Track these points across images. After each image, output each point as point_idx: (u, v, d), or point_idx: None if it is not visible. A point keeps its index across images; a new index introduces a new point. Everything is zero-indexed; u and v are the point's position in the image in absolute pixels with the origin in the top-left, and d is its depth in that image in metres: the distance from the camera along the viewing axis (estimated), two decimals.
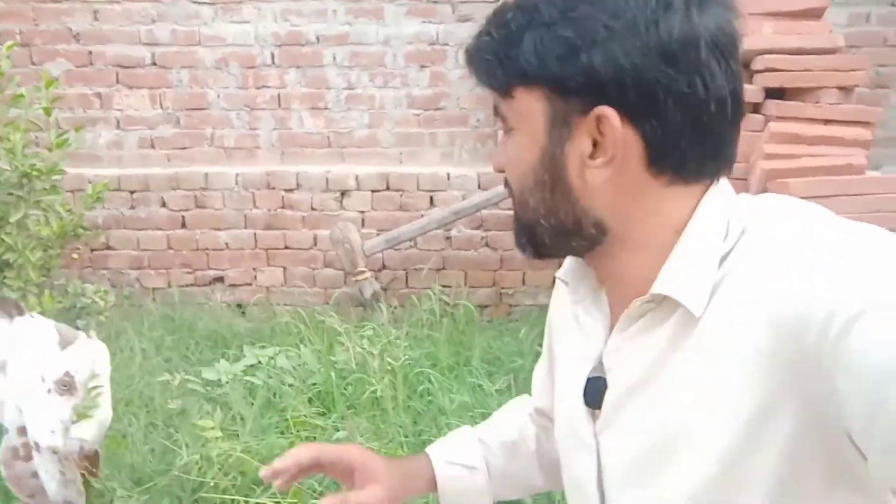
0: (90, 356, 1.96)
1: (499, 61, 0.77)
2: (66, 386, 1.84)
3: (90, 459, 1.99)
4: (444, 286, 4.39)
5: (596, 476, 0.86)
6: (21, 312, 1.90)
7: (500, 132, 0.86)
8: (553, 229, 0.81)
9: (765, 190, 3.21)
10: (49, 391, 1.81)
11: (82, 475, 1.93)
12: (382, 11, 4.53)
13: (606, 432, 0.84)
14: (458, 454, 1.12)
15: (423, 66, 4.57)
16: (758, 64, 3.45)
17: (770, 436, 0.69)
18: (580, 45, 0.73)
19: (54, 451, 1.80)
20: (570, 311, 0.92)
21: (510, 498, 1.16)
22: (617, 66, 0.72)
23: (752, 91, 3.44)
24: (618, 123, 0.74)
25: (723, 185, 0.80)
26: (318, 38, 4.55)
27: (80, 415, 1.89)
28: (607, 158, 0.76)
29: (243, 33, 4.54)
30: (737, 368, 0.70)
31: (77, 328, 3.67)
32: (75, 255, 4.34)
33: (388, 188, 4.51)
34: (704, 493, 0.74)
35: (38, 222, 3.86)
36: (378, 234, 4.40)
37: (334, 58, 4.57)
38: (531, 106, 0.77)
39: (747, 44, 3.46)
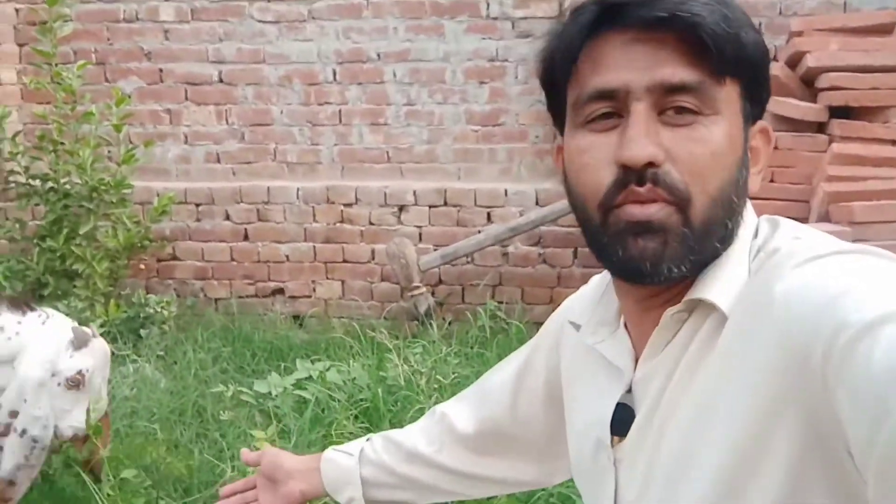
0: (100, 356, 2.08)
1: (734, 39, 0.72)
2: (75, 383, 1.97)
3: (86, 464, 2.12)
4: (499, 302, 4.38)
5: (613, 502, 0.86)
6: (33, 309, 2.01)
7: (644, 119, 0.73)
8: (726, 234, 0.76)
9: (827, 213, 3.10)
10: (59, 385, 1.95)
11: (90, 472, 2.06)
12: (442, 28, 4.56)
13: (626, 460, 0.83)
14: (345, 446, 1.21)
15: (482, 83, 4.58)
16: (822, 82, 3.34)
17: (774, 451, 0.68)
18: (769, 60, 0.79)
19: (35, 441, 1.93)
20: (586, 351, 0.92)
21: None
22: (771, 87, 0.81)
23: (815, 110, 3.33)
24: (774, 140, 0.82)
25: (748, 204, 0.83)
26: (378, 56, 4.61)
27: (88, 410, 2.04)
28: (759, 169, 0.80)
29: (306, 51, 4.63)
30: (745, 384, 0.70)
31: (140, 337, 3.80)
32: (142, 266, 4.49)
33: (445, 204, 4.53)
34: None
35: (106, 234, 4.02)
36: (435, 250, 4.42)
37: (394, 74, 4.62)
38: (734, 98, 0.75)
39: (812, 61, 3.37)
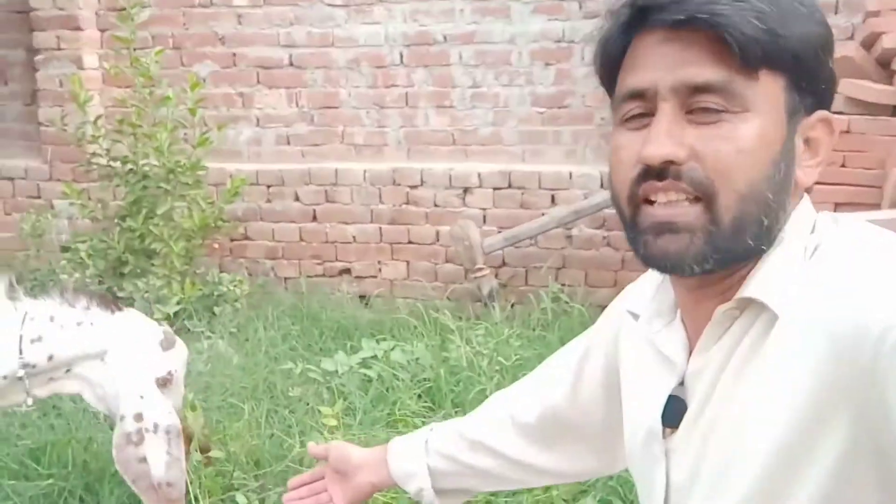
0: (184, 356, 2.16)
1: (769, 34, 0.73)
2: (164, 383, 2.03)
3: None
4: (563, 285, 4.39)
5: (664, 493, 0.88)
6: (120, 309, 2.09)
7: (668, 117, 0.76)
8: (763, 231, 0.77)
9: None
10: (152, 383, 2.02)
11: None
12: (509, 10, 4.56)
13: (678, 450, 0.86)
14: (409, 436, 1.25)
15: (548, 64, 4.57)
16: None
17: (821, 453, 0.70)
18: (829, 48, 0.77)
19: (168, 431, 1.98)
20: (643, 341, 0.93)
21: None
22: (835, 80, 0.80)
23: (891, 93, 3.23)
24: (838, 130, 0.80)
25: (807, 200, 0.83)
26: (445, 38, 4.64)
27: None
28: (818, 160, 0.80)
29: (374, 34, 4.69)
30: (794, 384, 0.72)
31: (214, 314, 3.95)
32: (216, 245, 4.65)
33: (510, 186, 4.55)
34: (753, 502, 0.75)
35: (182, 214, 4.17)
36: (499, 232, 4.46)
37: (460, 56, 4.64)
38: (774, 92, 0.75)
39: (888, 42, 3.26)
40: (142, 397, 1.97)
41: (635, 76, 0.78)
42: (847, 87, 3.29)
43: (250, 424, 2.90)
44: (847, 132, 3.21)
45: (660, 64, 0.76)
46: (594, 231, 4.49)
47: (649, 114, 0.78)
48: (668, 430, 0.87)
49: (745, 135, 0.74)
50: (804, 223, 0.79)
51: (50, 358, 1.98)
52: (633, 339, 0.98)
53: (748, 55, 0.72)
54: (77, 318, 2.01)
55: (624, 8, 0.78)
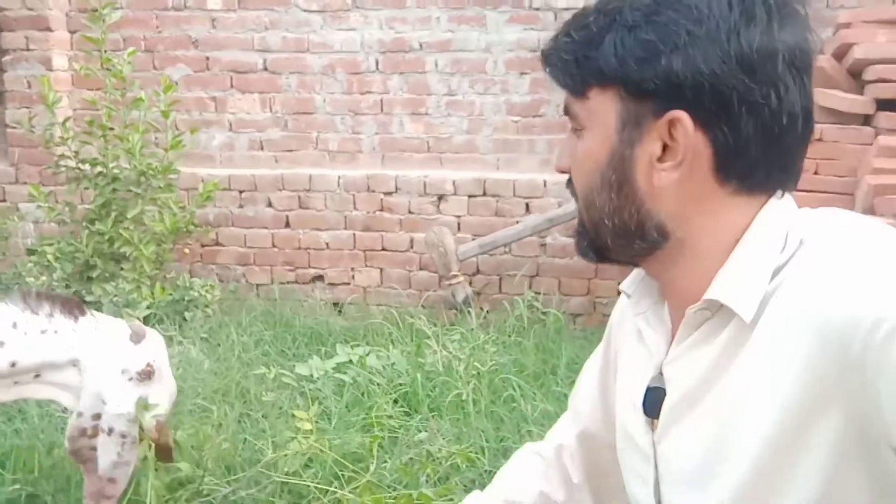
0: (160, 345, 2.16)
1: (576, 61, 0.80)
2: (147, 375, 2.04)
3: (163, 449, 2.13)
4: (536, 293, 4.39)
5: (653, 484, 0.88)
6: (83, 313, 2.06)
7: (567, 134, 0.87)
8: (616, 230, 0.83)
9: (872, 206, 3.07)
10: (130, 379, 2.01)
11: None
12: (485, 19, 4.58)
13: (663, 442, 0.86)
14: None
15: (522, 73, 4.59)
16: (869, 74, 3.31)
17: (812, 445, 0.71)
18: (661, 48, 0.76)
19: (123, 436, 2.01)
20: (632, 323, 0.94)
21: None
22: (696, 71, 0.75)
23: (862, 102, 3.30)
24: (691, 128, 0.76)
25: (786, 198, 0.82)
26: (421, 45, 4.64)
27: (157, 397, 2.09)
28: (676, 162, 0.78)
29: (350, 40, 4.68)
30: (784, 377, 0.72)
31: (185, 319, 3.88)
32: (187, 251, 4.58)
33: (484, 194, 4.55)
34: (744, 499, 0.75)
35: (152, 218, 4.10)
36: (473, 239, 4.45)
37: (436, 64, 4.65)
38: (604, 106, 0.80)
39: (859, 53, 3.33)
40: (103, 401, 1.98)
41: None
42: (819, 96, 3.35)
43: (221, 428, 2.85)
44: (819, 140, 3.27)
45: None
46: (568, 239, 4.50)
47: None
48: (654, 421, 0.87)
49: (577, 150, 0.84)
50: (774, 223, 0.79)
51: (13, 364, 1.94)
52: (624, 318, 0.99)
53: (566, 83, 0.82)
54: (41, 326, 1.98)
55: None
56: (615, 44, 0.77)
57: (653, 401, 0.87)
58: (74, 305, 2.07)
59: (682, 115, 0.76)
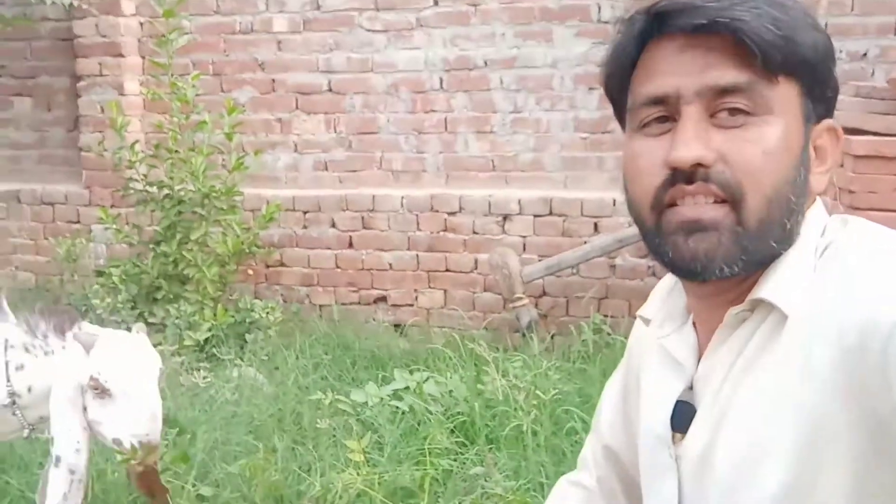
0: (123, 350, 1.88)
1: (785, 39, 0.74)
2: (97, 389, 1.81)
3: (150, 477, 1.90)
4: (605, 316, 4.22)
5: (676, 502, 0.86)
6: (70, 328, 1.90)
7: (695, 120, 0.77)
8: (787, 232, 0.78)
9: None
10: (79, 396, 1.80)
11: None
12: (551, 34, 4.45)
13: (688, 457, 0.84)
14: None
15: (591, 89, 4.44)
16: None
17: (839, 450, 0.70)
18: (834, 57, 0.80)
19: (72, 472, 1.79)
20: (655, 345, 0.93)
21: None
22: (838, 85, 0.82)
23: None
24: (843, 138, 0.83)
25: (820, 203, 0.84)
26: (485, 63, 4.55)
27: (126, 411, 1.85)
28: (825, 168, 0.81)
29: (413, 59, 4.62)
30: (807, 382, 0.72)
31: (245, 342, 3.85)
32: (250, 272, 4.59)
33: (551, 213, 4.42)
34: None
35: (216, 240, 4.12)
36: (539, 260, 4.32)
37: (501, 81, 4.55)
38: (792, 98, 0.77)
39: None
40: (53, 424, 1.81)
41: (655, 82, 0.79)
42: None
43: (273, 456, 2.78)
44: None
45: (682, 69, 0.77)
46: (638, 260, 4.32)
47: (670, 119, 0.78)
48: (678, 436, 0.86)
49: (770, 137, 0.75)
50: (816, 225, 0.80)
51: (29, 389, 1.87)
52: (645, 344, 0.97)
53: (769, 59, 0.74)
54: (44, 348, 1.88)
55: (639, 15, 0.80)
56: (814, 40, 0.77)
57: (681, 414, 0.86)
58: (66, 318, 1.92)
59: (837, 126, 0.81)
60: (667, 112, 0.78)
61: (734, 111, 0.75)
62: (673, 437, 0.87)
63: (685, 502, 0.85)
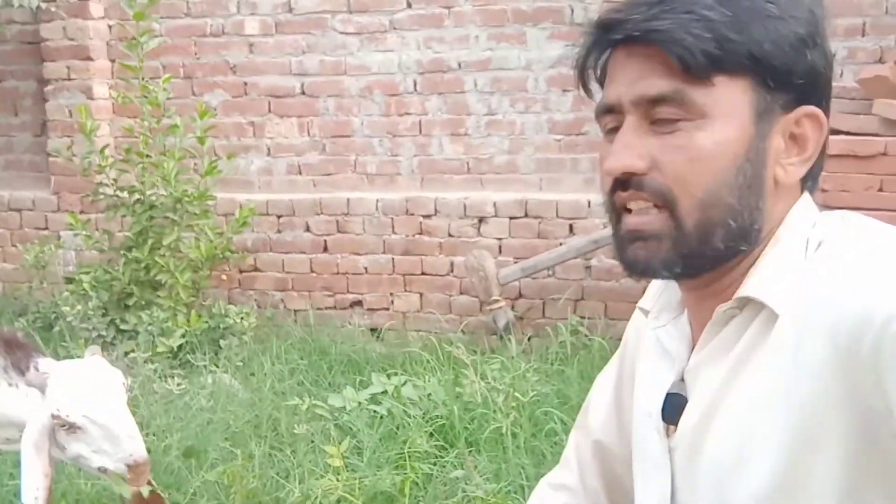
0: (80, 380, 1.81)
1: (717, 41, 0.74)
2: (63, 426, 1.73)
3: (157, 501, 1.84)
4: (582, 317, 4.23)
5: (669, 493, 0.87)
6: (28, 367, 1.80)
7: (630, 129, 0.78)
8: (732, 233, 0.78)
9: None
10: (38, 450, 1.72)
11: None
12: (525, 36, 4.46)
13: (680, 449, 0.85)
14: None
15: (565, 91, 4.45)
16: None
17: (830, 444, 0.71)
18: (807, 42, 0.77)
19: None
20: (651, 336, 0.93)
21: None
22: (827, 68, 0.79)
23: None
24: (826, 124, 0.79)
25: (807, 198, 0.83)
26: (459, 65, 4.54)
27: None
28: (804, 157, 0.79)
29: (387, 62, 4.60)
30: (799, 379, 0.72)
31: (220, 347, 3.80)
32: (224, 277, 4.53)
33: (526, 215, 4.41)
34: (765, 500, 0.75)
35: (189, 245, 4.06)
36: (515, 263, 4.31)
37: (475, 84, 4.54)
38: (735, 95, 0.76)
39: None
40: (21, 470, 1.71)
41: (606, 92, 0.82)
42: (882, 108, 3.14)
43: (251, 463, 2.74)
44: (884, 155, 3.06)
45: (623, 79, 0.79)
46: (614, 261, 4.30)
47: (620, 126, 0.80)
48: (671, 428, 0.87)
49: (699, 143, 0.76)
50: (802, 220, 0.80)
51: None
52: (642, 335, 0.98)
53: (691, 64, 0.74)
54: (7, 380, 1.80)
55: (591, 29, 0.83)
56: (768, 30, 0.75)
57: (672, 406, 0.86)
58: (21, 359, 1.81)
59: (818, 112, 0.78)
60: (616, 121, 0.80)
61: (666, 119, 0.76)
62: (667, 429, 0.87)
63: (678, 493, 0.86)
